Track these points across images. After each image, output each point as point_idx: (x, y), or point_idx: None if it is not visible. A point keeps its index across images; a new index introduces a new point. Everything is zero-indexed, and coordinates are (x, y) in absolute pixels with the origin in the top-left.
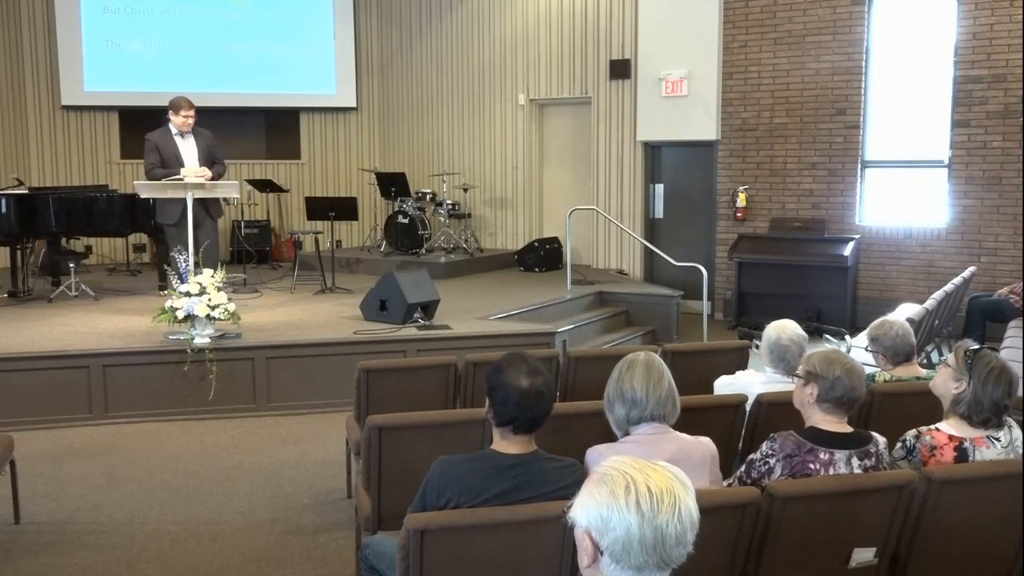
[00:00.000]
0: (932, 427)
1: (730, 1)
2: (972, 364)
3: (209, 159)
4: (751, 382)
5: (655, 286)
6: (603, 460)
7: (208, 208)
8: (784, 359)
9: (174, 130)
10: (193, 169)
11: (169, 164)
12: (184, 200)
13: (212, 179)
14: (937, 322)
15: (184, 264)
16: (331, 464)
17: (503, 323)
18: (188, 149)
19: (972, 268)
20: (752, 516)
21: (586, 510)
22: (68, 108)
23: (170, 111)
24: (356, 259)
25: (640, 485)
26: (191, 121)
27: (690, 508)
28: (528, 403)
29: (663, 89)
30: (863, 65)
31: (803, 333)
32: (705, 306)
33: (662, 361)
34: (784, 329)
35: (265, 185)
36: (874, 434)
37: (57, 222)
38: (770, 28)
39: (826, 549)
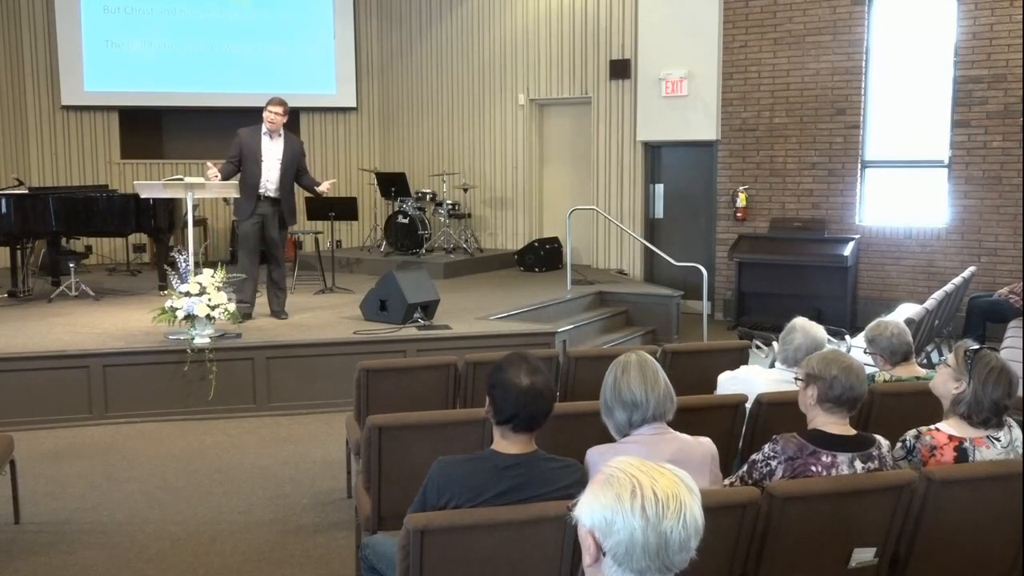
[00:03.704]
0: (932, 427)
1: (730, 1)
2: (972, 364)
3: (293, 166)
4: (752, 378)
5: (655, 286)
6: (604, 460)
7: (283, 215)
8: (783, 340)
9: (264, 129)
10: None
11: (247, 160)
12: (255, 200)
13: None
14: (937, 322)
15: (184, 264)
16: (331, 464)
17: (503, 323)
18: (271, 150)
19: (972, 268)
20: (752, 516)
21: (591, 510)
22: (68, 108)
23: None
24: (356, 259)
25: (646, 489)
26: (274, 118)
27: (695, 515)
28: (527, 401)
29: (663, 89)
30: (863, 65)
31: (819, 336)
32: (705, 306)
33: (653, 359)
34: (805, 323)
35: None
36: (877, 437)
37: (57, 222)
38: (770, 28)
39: (826, 549)
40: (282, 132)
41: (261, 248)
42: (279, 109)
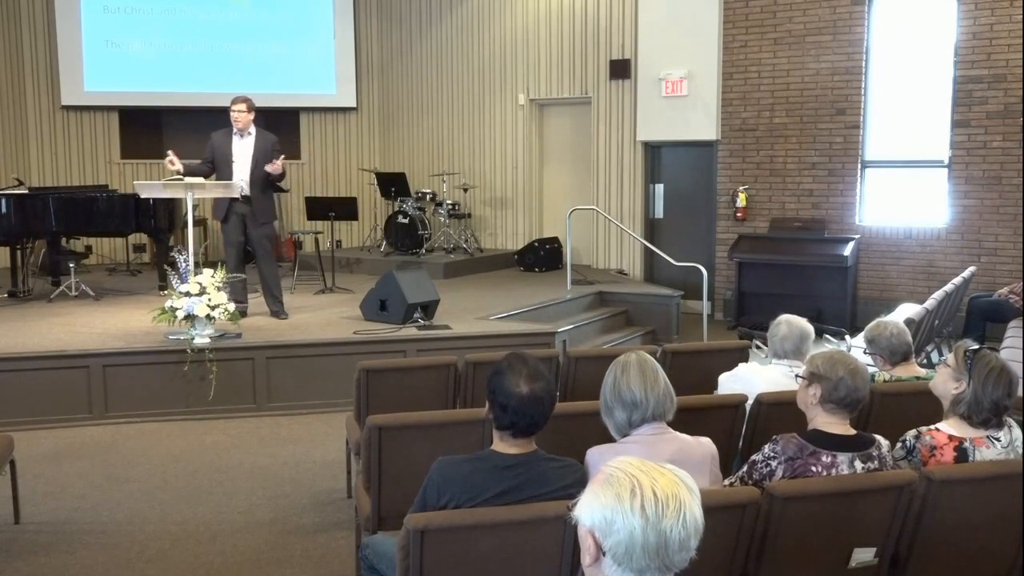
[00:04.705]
0: (932, 427)
1: (730, 1)
2: (972, 364)
3: (265, 162)
4: (751, 376)
5: (655, 286)
6: (604, 460)
7: (254, 212)
8: (771, 336)
9: (234, 129)
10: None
11: (219, 162)
12: (230, 199)
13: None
14: (937, 322)
15: (184, 264)
16: (331, 464)
17: (503, 323)
18: (242, 149)
19: (972, 268)
20: (752, 516)
21: (591, 510)
22: (68, 108)
23: None
24: (356, 259)
25: (646, 489)
26: (237, 116)
27: (695, 514)
28: (527, 409)
29: (663, 89)
30: (863, 65)
31: (804, 326)
32: (705, 306)
33: (653, 359)
34: (789, 316)
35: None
36: (877, 437)
37: (57, 222)
38: (770, 28)
39: (826, 549)
40: (252, 130)
41: (247, 247)
42: (242, 107)
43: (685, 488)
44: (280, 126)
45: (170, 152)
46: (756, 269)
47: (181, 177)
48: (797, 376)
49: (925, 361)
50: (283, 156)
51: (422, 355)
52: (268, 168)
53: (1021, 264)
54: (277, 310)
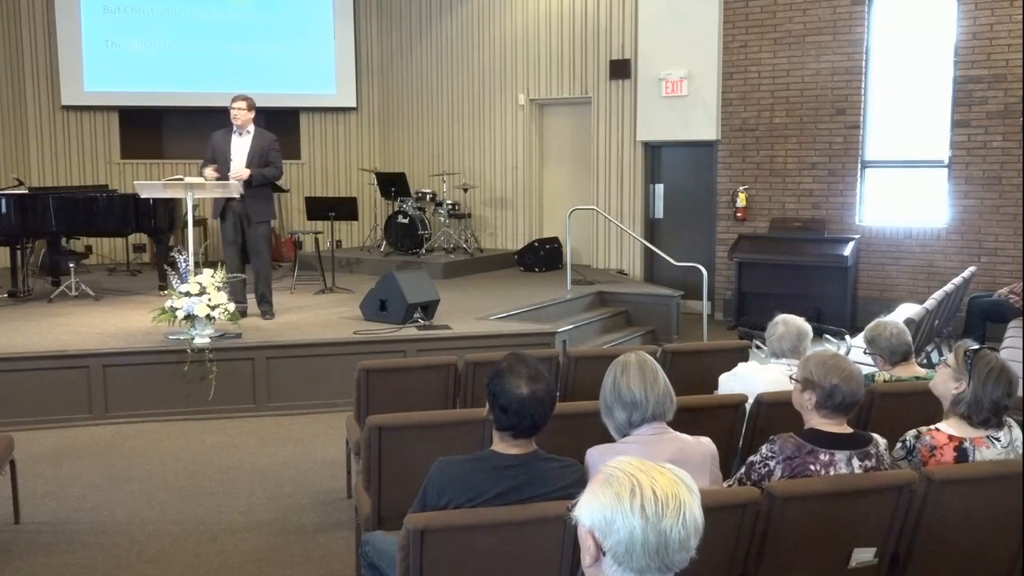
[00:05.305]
0: (932, 427)
1: (730, 1)
2: (972, 364)
3: (261, 161)
4: (751, 375)
5: (655, 286)
6: (604, 460)
7: (248, 211)
8: (769, 336)
9: (234, 127)
10: (236, 168)
11: (220, 162)
12: (223, 198)
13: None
14: (937, 322)
15: (184, 264)
16: (331, 464)
17: (503, 323)
18: (240, 147)
19: (972, 268)
20: (752, 516)
21: (590, 510)
22: (68, 108)
23: None
24: (356, 259)
25: (646, 489)
26: (237, 114)
27: (695, 514)
28: (528, 410)
29: (663, 89)
30: (863, 65)
31: (802, 325)
32: (705, 306)
33: (653, 359)
34: (785, 316)
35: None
36: (874, 435)
37: (57, 222)
38: (770, 28)
39: (826, 549)
40: (251, 129)
41: (244, 246)
42: (241, 104)
43: (685, 488)
44: (280, 126)
45: (208, 167)
46: (756, 269)
47: (181, 177)
48: (791, 378)
49: (925, 361)
50: (278, 153)
51: (422, 355)
52: (232, 176)
53: (1021, 264)
54: (265, 310)
